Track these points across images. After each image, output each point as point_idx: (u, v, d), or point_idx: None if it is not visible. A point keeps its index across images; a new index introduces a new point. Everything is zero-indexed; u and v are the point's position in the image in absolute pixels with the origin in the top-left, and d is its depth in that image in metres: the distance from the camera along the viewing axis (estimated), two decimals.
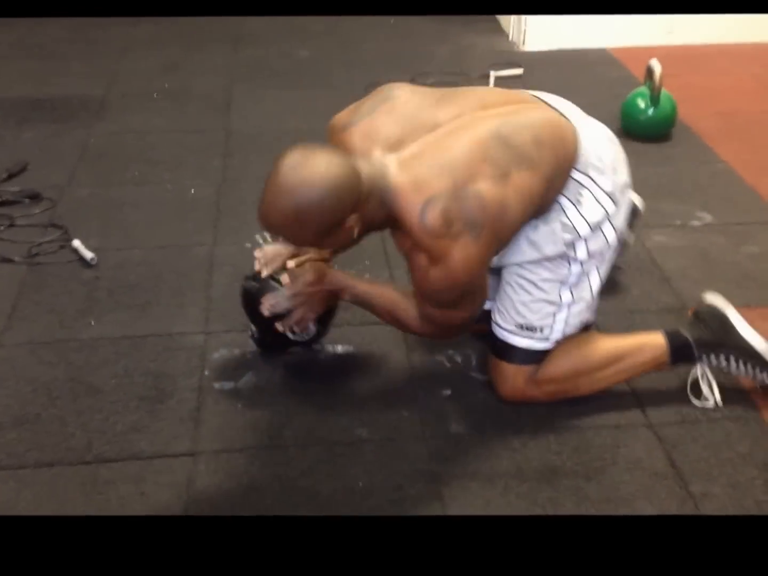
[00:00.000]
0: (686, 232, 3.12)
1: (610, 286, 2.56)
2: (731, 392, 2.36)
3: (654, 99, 3.65)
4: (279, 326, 2.32)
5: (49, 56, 4.69)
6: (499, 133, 2.05)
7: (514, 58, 4.59)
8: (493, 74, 4.30)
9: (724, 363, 2.30)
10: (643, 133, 3.70)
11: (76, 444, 2.21)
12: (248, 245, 2.88)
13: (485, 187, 1.99)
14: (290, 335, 2.37)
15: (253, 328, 2.47)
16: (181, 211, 3.24)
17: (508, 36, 4.92)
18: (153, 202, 3.29)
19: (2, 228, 3.09)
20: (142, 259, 2.95)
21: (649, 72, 3.63)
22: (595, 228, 2.19)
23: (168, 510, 2.04)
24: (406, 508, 2.05)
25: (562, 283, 2.23)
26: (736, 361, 2.29)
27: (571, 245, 2.19)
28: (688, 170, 3.55)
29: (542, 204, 2.13)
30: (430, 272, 2.02)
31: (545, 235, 2.18)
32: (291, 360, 2.46)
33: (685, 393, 2.35)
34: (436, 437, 2.24)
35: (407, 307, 2.20)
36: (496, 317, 2.30)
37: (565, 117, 2.19)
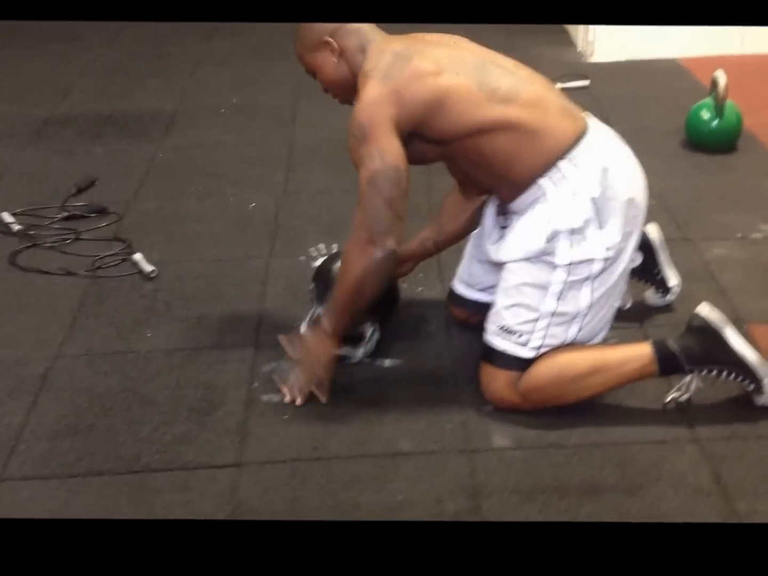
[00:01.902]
0: (747, 245, 3.07)
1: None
2: None
3: (718, 110, 3.59)
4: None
5: (124, 72, 4.81)
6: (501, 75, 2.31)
7: (582, 69, 4.55)
8: (559, 86, 4.27)
9: (713, 374, 2.29)
10: (708, 144, 3.66)
11: (126, 453, 2.27)
12: (302, 258, 2.93)
13: (422, 65, 2.25)
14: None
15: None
16: (241, 224, 3.29)
17: (576, 47, 4.89)
18: (215, 215, 3.35)
19: (68, 242, 3.18)
20: (200, 271, 3.01)
21: (714, 83, 3.58)
22: (578, 230, 2.20)
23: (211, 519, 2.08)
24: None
25: (544, 289, 2.24)
26: (727, 375, 2.28)
27: (552, 242, 2.21)
28: (752, 182, 3.49)
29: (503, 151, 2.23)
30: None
31: (527, 223, 2.25)
32: (337, 374, 2.48)
33: (734, 407, 2.33)
34: (479, 451, 2.25)
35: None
36: (486, 319, 2.34)
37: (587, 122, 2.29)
